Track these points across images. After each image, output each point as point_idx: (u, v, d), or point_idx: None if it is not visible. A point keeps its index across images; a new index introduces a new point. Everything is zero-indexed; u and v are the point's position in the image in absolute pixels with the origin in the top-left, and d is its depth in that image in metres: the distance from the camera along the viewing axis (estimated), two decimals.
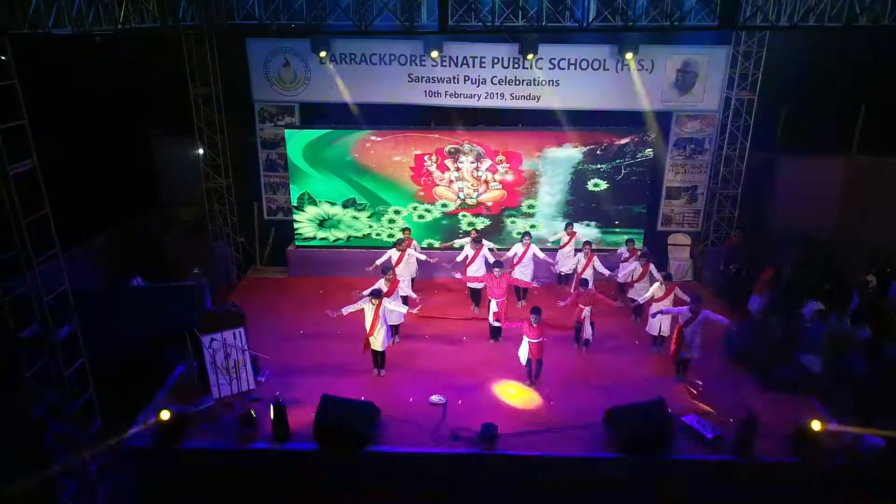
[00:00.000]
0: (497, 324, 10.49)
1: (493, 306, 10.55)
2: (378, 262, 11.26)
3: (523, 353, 9.39)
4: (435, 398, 9.18)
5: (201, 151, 12.91)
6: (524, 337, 9.32)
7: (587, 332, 10.22)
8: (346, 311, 9.48)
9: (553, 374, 9.67)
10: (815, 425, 7.96)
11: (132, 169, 12.58)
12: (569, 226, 12.33)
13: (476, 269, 11.62)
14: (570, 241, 12.22)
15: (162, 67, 12.54)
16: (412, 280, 12.04)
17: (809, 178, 13.25)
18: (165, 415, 8.18)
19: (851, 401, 8.72)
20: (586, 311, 10.10)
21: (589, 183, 12.92)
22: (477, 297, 11.99)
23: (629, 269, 11.30)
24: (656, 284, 10.24)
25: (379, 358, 9.88)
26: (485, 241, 11.82)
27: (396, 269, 11.20)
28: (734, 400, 9.05)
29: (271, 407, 8.25)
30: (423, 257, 11.71)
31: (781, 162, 13.52)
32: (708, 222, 13.55)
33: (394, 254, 11.40)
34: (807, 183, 13.20)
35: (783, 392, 9.42)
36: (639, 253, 11.82)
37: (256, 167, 13.56)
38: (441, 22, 8.65)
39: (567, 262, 12.21)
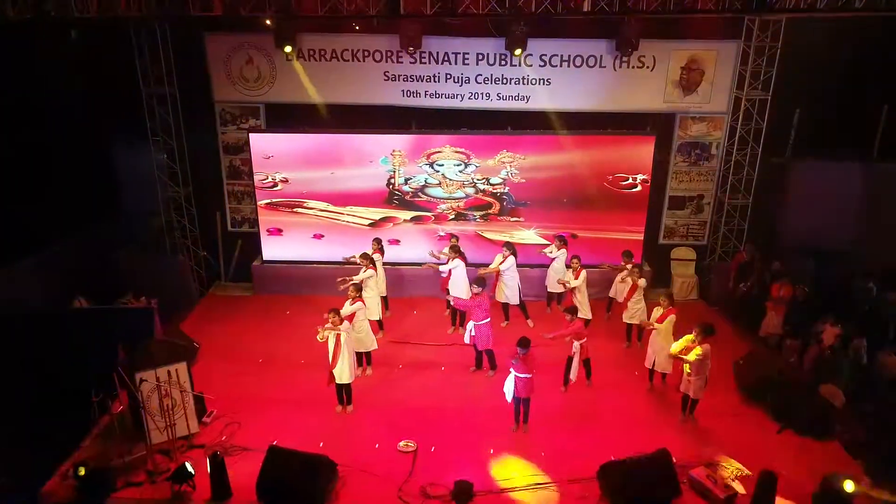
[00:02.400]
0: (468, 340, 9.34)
1: (472, 329, 9.30)
2: (356, 279, 9.92)
3: (509, 389, 8.17)
4: (403, 444, 7.98)
5: (164, 156, 11.74)
6: (510, 370, 8.10)
7: (573, 371, 8.93)
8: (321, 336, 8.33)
9: (541, 415, 8.43)
10: (848, 486, 6.75)
11: (79, 178, 11.35)
12: (558, 237, 11.10)
13: (460, 287, 10.39)
14: (559, 254, 11.01)
15: (112, 64, 11.33)
16: (384, 299, 10.89)
17: (826, 186, 12.00)
18: (83, 470, 7.01)
19: (888, 455, 7.49)
20: (576, 345, 8.83)
21: (584, 190, 11.71)
22: (456, 315, 10.79)
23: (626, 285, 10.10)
24: (657, 309, 9.02)
25: (344, 392, 8.68)
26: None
27: (366, 285, 9.99)
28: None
29: (208, 460, 7.05)
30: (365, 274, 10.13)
31: (795, 169, 12.29)
32: (715, 235, 12.36)
33: (366, 272, 10.16)
34: (823, 192, 11.96)
35: (805, 435, 8.23)
36: (630, 266, 10.64)
37: (219, 174, 12.36)
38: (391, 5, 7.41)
39: (557, 279, 11.02)
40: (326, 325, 8.25)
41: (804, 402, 8.58)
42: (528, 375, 7.94)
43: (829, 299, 10.59)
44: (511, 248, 10.55)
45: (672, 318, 8.77)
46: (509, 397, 8.20)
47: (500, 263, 10.48)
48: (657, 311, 8.91)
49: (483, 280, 9.40)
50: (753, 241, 11.86)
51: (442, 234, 11.97)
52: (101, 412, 7.98)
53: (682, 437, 8.13)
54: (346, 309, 8.79)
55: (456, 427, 8.39)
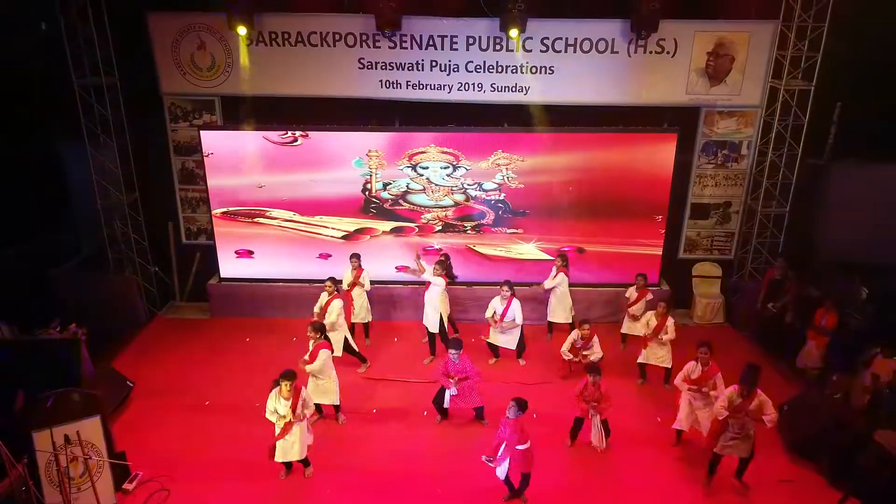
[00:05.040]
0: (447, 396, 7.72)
1: (453, 389, 7.63)
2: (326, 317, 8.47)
3: (502, 470, 6.45)
4: None
5: (103, 158, 10.10)
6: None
7: (594, 436, 7.36)
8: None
9: (541, 487, 6.73)
10: None
11: (4, 186, 9.75)
12: (561, 257, 9.50)
13: (434, 310, 8.88)
14: (557, 280, 9.42)
15: (37, 49, 9.69)
16: (367, 325, 9.39)
17: (875, 192, 10.37)
18: None
19: None
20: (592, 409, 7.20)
21: (592, 197, 10.09)
22: (435, 344, 9.23)
23: (644, 318, 8.47)
24: (694, 366, 7.17)
25: None
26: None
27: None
28: None
29: None
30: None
31: (840, 172, 10.60)
32: (744, 248, 10.75)
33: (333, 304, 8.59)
34: (872, 198, 10.33)
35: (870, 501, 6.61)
36: (649, 296, 9.04)
37: (170, 179, 10.72)
38: None
39: (560, 307, 9.40)
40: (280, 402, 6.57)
41: (868, 460, 6.98)
42: (526, 445, 6.28)
43: (881, 326, 8.99)
44: (510, 286, 8.82)
45: (718, 377, 7.08)
46: (503, 476, 6.51)
47: (506, 311, 8.79)
48: (694, 369, 7.10)
49: (460, 343, 7.65)
50: (789, 256, 10.23)
51: (437, 246, 10.36)
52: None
53: None
54: (313, 366, 7.32)
55: (435, 498, 6.75)
